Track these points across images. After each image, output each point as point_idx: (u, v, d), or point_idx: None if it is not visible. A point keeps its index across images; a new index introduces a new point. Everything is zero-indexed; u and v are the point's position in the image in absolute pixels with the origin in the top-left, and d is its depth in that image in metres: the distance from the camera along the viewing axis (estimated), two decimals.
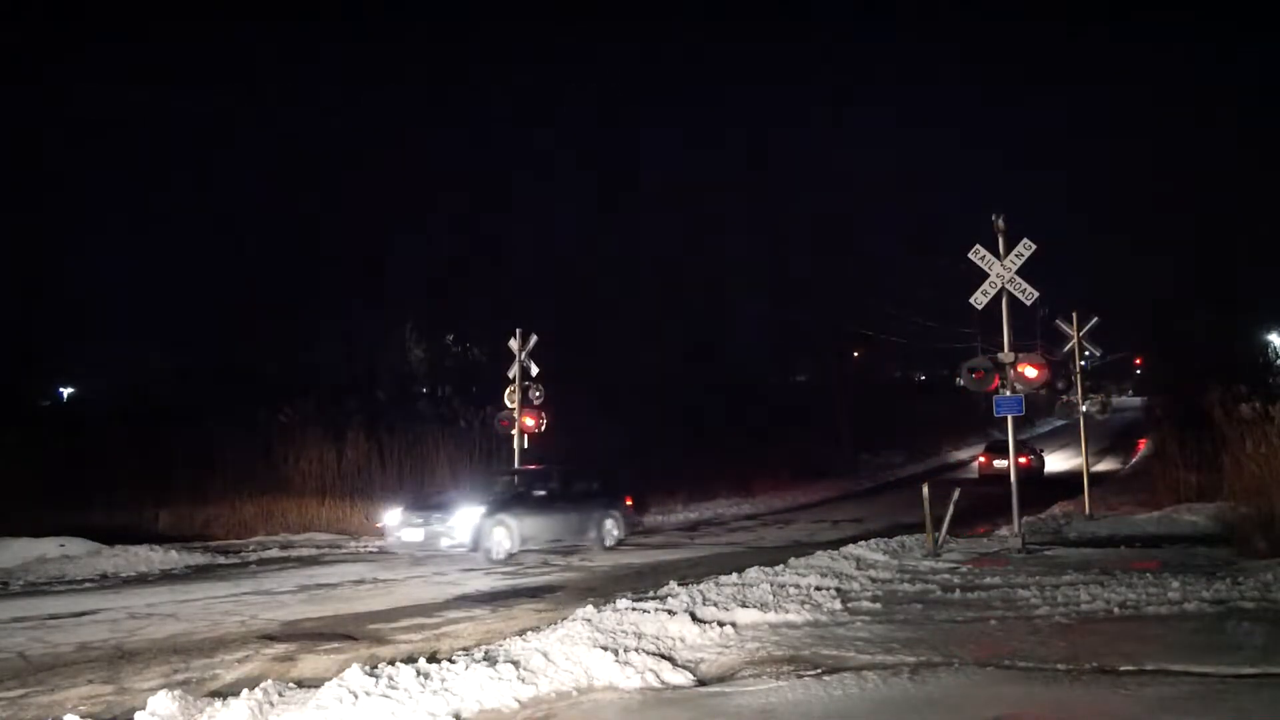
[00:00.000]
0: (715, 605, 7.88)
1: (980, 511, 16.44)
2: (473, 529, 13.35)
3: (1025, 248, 12.71)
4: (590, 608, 7.65)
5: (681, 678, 5.82)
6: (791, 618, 7.46)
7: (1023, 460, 21.55)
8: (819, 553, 11.14)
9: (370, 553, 15.17)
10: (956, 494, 12.52)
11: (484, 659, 5.99)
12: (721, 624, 7.17)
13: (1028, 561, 10.95)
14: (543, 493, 15.13)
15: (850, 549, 11.55)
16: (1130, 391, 66.50)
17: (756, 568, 10.04)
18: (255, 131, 51.20)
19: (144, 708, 5.19)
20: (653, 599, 8.25)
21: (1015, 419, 13.25)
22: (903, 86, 79.30)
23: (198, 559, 13.92)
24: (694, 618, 7.26)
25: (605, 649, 6.16)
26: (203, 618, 8.87)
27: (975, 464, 32.42)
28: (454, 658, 6.07)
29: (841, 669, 5.79)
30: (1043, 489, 22.95)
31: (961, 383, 14.22)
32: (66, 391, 37.72)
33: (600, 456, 25.94)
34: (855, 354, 53.29)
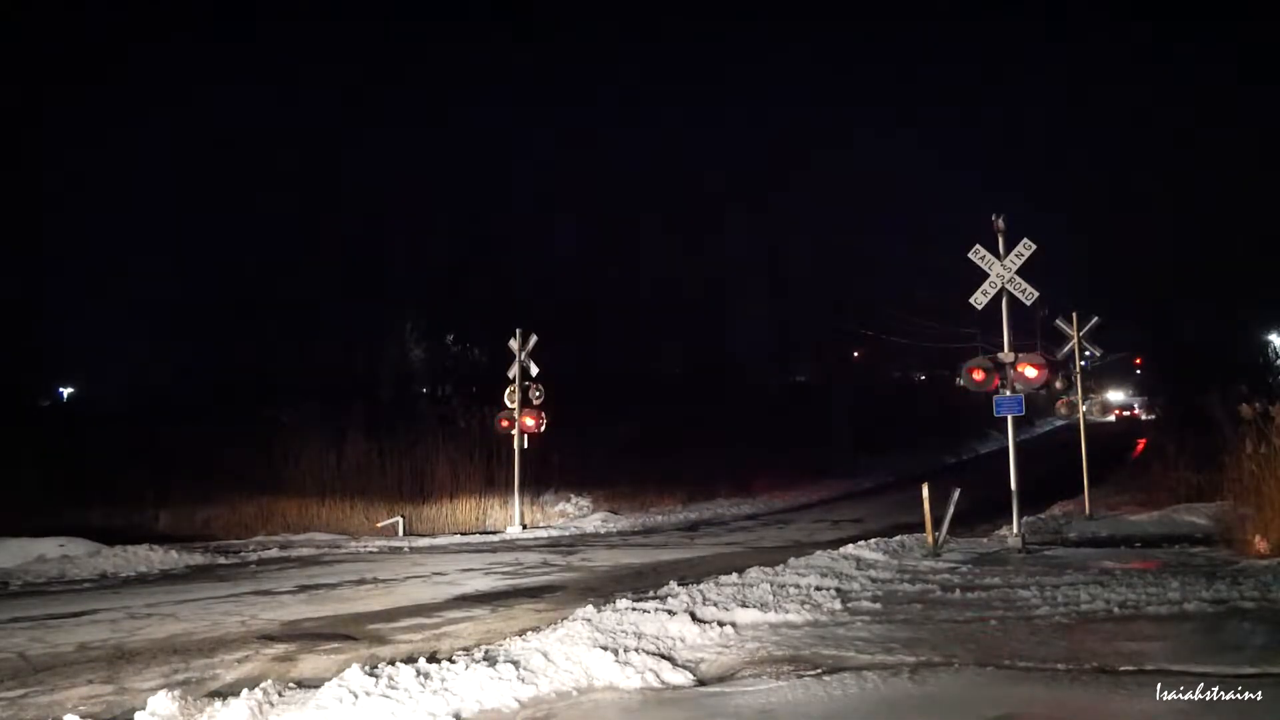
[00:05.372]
0: (715, 605, 7.87)
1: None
2: None
3: (1025, 248, 12.72)
4: (590, 608, 7.64)
5: (681, 678, 5.82)
6: (791, 618, 7.46)
7: (1135, 411, 43.56)
8: (819, 553, 11.12)
9: (370, 553, 15.16)
10: (956, 494, 12.51)
11: (484, 659, 5.98)
12: (721, 624, 7.16)
13: (1028, 561, 10.95)
14: None
15: (850, 549, 11.53)
16: (1131, 391, 66.55)
17: (756, 568, 10.02)
18: (255, 131, 51.22)
19: (144, 708, 5.18)
20: (653, 599, 8.25)
21: (1015, 419, 13.25)
22: (902, 86, 79.35)
23: (198, 559, 13.89)
24: (694, 618, 7.25)
25: (605, 649, 6.16)
26: (202, 618, 8.86)
27: (1113, 415, 52.73)
28: (454, 658, 6.07)
29: (841, 669, 5.79)
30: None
31: (961, 383, 14.21)
32: (66, 391, 37.76)
33: (600, 457, 26.01)
34: (855, 354, 53.32)
